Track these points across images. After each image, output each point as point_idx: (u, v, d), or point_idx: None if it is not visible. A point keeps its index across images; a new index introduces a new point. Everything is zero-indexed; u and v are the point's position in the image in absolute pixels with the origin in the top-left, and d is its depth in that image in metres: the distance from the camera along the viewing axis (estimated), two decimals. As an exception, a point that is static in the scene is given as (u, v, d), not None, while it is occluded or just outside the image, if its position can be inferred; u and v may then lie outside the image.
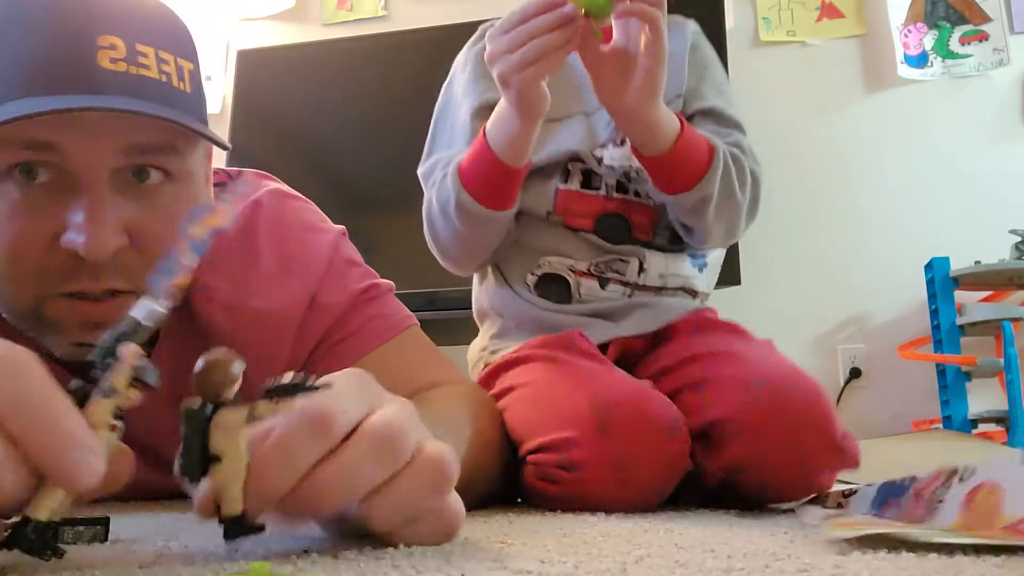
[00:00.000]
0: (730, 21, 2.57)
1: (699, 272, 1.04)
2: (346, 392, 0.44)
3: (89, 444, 0.36)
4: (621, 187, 1.02)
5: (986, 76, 2.59)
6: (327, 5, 3.00)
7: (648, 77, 0.87)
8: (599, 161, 1.02)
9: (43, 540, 0.38)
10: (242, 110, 2.53)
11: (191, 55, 0.68)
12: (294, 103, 2.41)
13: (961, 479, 0.53)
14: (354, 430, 0.42)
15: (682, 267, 1.03)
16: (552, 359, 0.91)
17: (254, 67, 2.56)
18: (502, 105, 0.91)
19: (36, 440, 0.35)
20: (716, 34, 2.11)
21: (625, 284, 0.99)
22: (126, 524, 0.64)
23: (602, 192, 1.02)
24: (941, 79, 2.60)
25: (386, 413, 0.43)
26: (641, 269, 1.00)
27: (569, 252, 1.01)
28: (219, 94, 2.91)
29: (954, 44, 2.62)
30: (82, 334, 0.66)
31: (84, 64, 0.61)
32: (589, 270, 1.00)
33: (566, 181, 1.03)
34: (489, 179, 0.95)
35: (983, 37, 2.60)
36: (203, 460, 0.41)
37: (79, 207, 0.62)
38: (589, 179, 1.03)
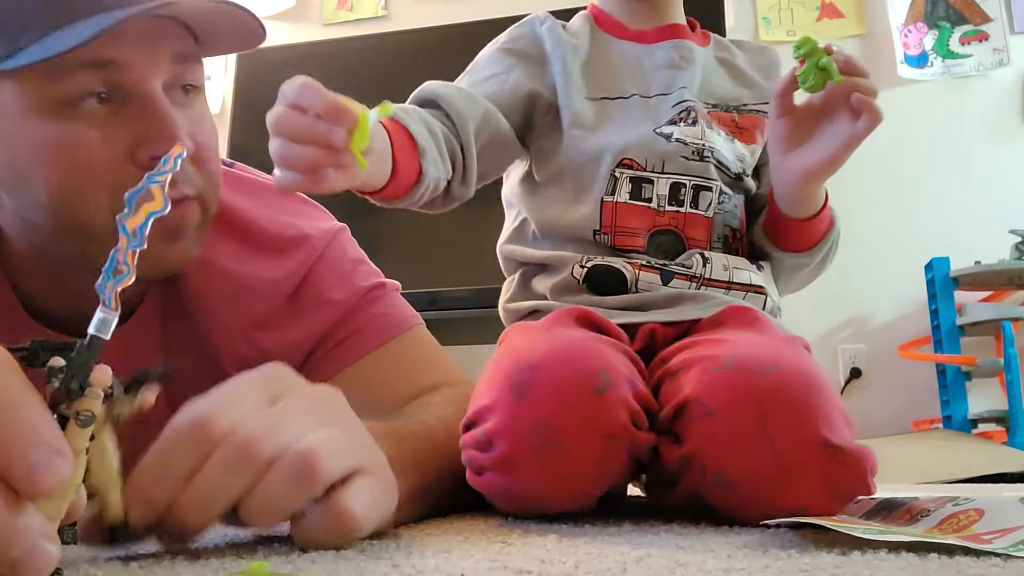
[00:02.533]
0: (730, 21, 2.57)
1: (758, 270, 0.92)
2: (232, 394, 0.45)
3: (57, 446, 0.35)
4: (673, 194, 0.89)
5: (986, 76, 2.59)
6: (327, 5, 3.00)
7: (833, 159, 0.82)
8: (667, 137, 0.90)
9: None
10: (242, 110, 2.53)
11: None
12: (294, 103, 2.40)
13: (956, 504, 0.55)
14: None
15: (742, 263, 0.91)
16: (526, 327, 0.81)
17: (254, 67, 2.56)
18: None
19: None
20: (716, 34, 2.10)
21: (692, 279, 0.87)
22: (126, 524, 0.64)
23: (653, 204, 0.89)
24: (941, 79, 2.60)
25: (255, 423, 0.44)
26: (705, 262, 0.87)
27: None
28: (219, 94, 2.92)
29: (954, 44, 2.62)
30: (160, 244, 0.64)
31: (92, 3, 0.63)
32: (650, 263, 0.87)
33: (613, 193, 0.89)
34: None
35: (983, 37, 2.60)
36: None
37: (146, 119, 0.65)
38: (639, 188, 0.89)
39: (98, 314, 0.40)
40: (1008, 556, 0.43)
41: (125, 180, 0.63)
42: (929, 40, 2.63)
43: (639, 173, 0.89)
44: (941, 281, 2.32)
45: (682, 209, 0.89)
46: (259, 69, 2.56)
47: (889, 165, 2.49)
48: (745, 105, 0.97)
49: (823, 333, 2.55)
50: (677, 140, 0.90)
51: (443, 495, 0.68)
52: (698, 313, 0.83)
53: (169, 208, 0.43)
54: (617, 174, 0.89)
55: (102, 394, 0.39)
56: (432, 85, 0.87)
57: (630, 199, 0.89)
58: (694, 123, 0.91)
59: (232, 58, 2.75)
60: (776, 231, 0.91)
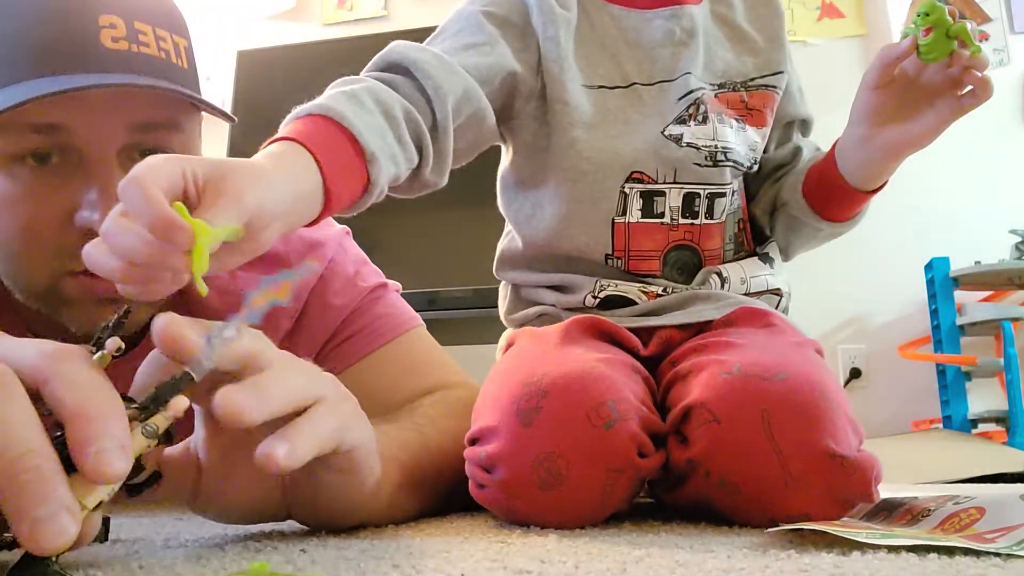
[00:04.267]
0: (730, 21, 2.57)
1: (771, 268, 0.89)
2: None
3: (124, 442, 0.36)
4: (687, 206, 0.84)
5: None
6: (327, 5, 3.00)
7: (931, 133, 0.78)
8: (677, 140, 0.83)
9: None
10: (242, 110, 2.52)
11: (184, 32, 0.70)
12: (294, 103, 2.40)
13: (956, 503, 0.55)
14: None
15: (756, 268, 0.88)
16: (536, 336, 0.78)
17: (254, 67, 2.56)
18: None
19: (79, 422, 0.36)
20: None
21: None
22: (126, 524, 0.64)
23: (666, 219, 0.83)
24: (941, 79, 2.60)
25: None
26: (723, 283, 0.85)
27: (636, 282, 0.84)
28: (219, 94, 2.91)
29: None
30: (97, 310, 0.67)
31: (88, 44, 0.63)
32: (667, 291, 0.83)
33: (624, 212, 0.83)
34: None
35: (983, 37, 2.60)
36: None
37: (91, 185, 0.64)
38: (651, 203, 0.83)
39: (199, 356, 0.42)
40: (1009, 556, 0.43)
41: (65, 242, 0.64)
42: (929, 40, 2.63)
43: (649, 187, 0.83)
44: (941, 281, 2.32)
45: (696, 221, 0.85)
46: (259, 69, 2.56)
47: (889, 165, 2.49)
48: (752, 80, 0.89)
49: (823, 333, 2.54)
50: (688, 145, 0.84)
51: (439, 492, 0.68)
52: (712, 313, 0.81)
53: (290, 304, 0.45)
54: (627, 190, 0.83)
55: (172, 419, 0.41)
56: (403, 48, 0.76)
57: (642, 217, 0.83)
58: (704, 120, 0.84)
59: (232, 58, 2.75)
60: (828, 201, 0.87)
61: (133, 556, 0.46)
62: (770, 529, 0.52)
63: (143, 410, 0.40)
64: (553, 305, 0.86)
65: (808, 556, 0.44)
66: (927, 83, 0.76)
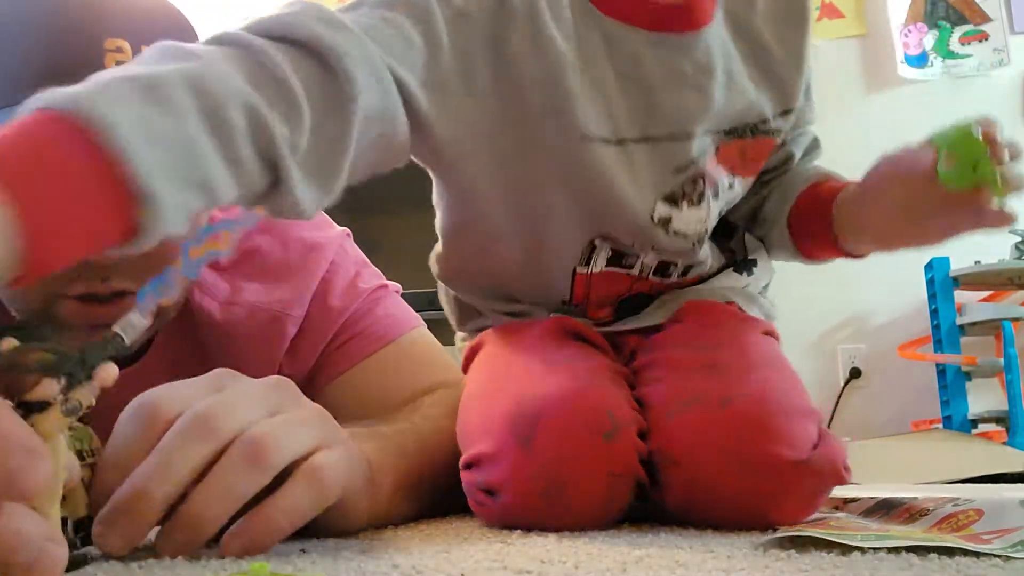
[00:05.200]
0: (730, 21, 2.57)
1: (748, 276, 0.83)
2: (285, 424, 0.47)
3: (30, 446, 0.33)
4: (661, 270, 0.76)
5: (986, 76, 2.59)
6: (327, 5, 3.00)
7: (937, 239, 0.70)
8: (665, 225, 0.73)
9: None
10: (242, 110, 2.53)
11: None
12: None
13: (956, 505, 0.55)
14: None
15: (733, 281, 0.82)
16: (508, 343, 0.74)
17: (254, 67, 2.56)
18: None
19: None
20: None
21: None
22: (126, 524, 0.64)
23: (635, 271, 0.76)
24: (941, 79, 2.60)
25: (324, 455, 0.47)
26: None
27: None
28: (219, 94, 2.92)
29: (954, 44, 2.62)
30: (90, 335, 0.66)
31: (91, 70, 0.61)
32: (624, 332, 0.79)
33: (588, 263, 0.74)
34: None
35: (983, 37, 2.60)
36: None
37: None
38: (620, 257, 0.75)
39: (128, 316, 0.40)
40: (1008, 557, 0.43)
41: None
42: (929, 40, 2.63)
43: (623, 248, 0.74)
44: (941, 281, 2.32)
45: (667, 280, 0.78)
46: (259, 69, 2.55)
47: (889, 165, 2.49)
48: (764, 123, 0.75)
49: (823, 333, 2.55)
50: (676, 233, 0.74)
51: (438, 493, 0.69)
52: (661, 316, 0.78)
53: (229, 255, 0.44)
54: (597, 243, 0.73)
55: (97, 390, 0.37)
56: (313, 22, 0.57)
57: (607, 266, 0.75)
58: (700, 200, 0.73)
59: (232, 58, 2.75)
60: (810, 242, 0.81)
61: (133, 556, 0.46)
62: (766, 538, 0.52)
63: (68, 377, 0.36)
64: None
65: (808, 556, 0.44)
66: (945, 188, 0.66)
